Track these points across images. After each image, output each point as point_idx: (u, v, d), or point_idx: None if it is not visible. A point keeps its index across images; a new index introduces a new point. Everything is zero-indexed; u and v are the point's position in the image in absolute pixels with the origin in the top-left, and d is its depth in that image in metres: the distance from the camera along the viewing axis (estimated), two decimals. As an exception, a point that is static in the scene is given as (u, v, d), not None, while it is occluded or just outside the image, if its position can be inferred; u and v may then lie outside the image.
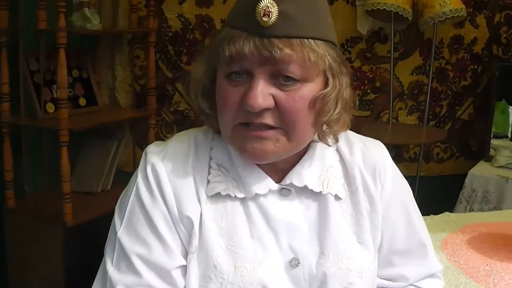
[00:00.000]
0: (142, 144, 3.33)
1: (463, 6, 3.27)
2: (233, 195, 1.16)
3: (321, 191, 1.19)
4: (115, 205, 2.91)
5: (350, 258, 1.19)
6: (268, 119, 1.08)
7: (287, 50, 1.03)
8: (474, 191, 3.35)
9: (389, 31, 3.42)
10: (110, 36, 3.22)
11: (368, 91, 3.59)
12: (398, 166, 1.32)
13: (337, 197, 1.21)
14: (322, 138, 1.19)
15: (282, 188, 1.18)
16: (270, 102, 1.07)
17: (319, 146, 1.23)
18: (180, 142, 1.22)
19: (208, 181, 1.17)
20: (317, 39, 1.07)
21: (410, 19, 3.28)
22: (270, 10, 1.03)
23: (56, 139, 2.74)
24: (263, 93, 1.06)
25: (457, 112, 3.72)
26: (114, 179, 3.15)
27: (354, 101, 1.19)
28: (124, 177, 3.24)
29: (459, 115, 3.73)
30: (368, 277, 1.21)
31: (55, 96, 2.80)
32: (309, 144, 1.22)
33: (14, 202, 2.82)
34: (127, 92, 3.27)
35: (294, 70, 1.05)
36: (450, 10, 3.22)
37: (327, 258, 1.17)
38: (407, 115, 3.65)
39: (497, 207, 3.29)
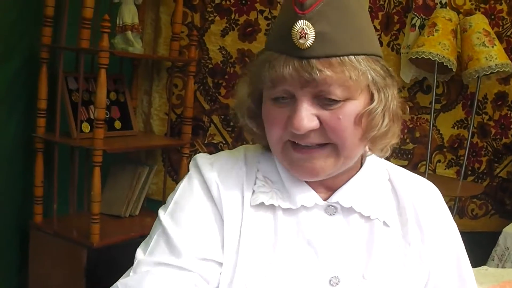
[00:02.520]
0: (173, 173, 3.30)
1: (510, 62, 3.23)
2: (277, 205, 1.16)
3: (369, 216, 1.18)
4: (141, 231, 2.88)
5: (391, 286, 1.16)
6: (315, 139, 1.09)
7: (327, 72, 1.03)
8: (508, 249, 3.25)
9: (432, 81, 3.37)
10: (150, 63, 3.22)
11: (408, 140, 3.53)
12: None
13: (385, 224, 1.19)
14: (373, 150, 1.19)
15: (329, 206, 1.18)
16: (315, 123, 1.07)
17: (372, 171, 1.23)
18: (230, 153, 1.26)
19: (253, 191, 1.18)
20: (357, 54, 1.06)
21: (454, 70, 3.23)
22: (306, 32, 1.03)
23: (88, 159, 2.74)
24: (307, 115, 1.06)
25: (496, 169, 3.64)
26: (142, 205, 3.11)
27: (403, 108, 1.18)
28: (152, 204, 3.21)
29: (498, 173, 3.66)
30: None
31: (91, 116, 2.80)
32: (361, 165, 1.22)
33: (41, 218, 2.79)
34: (162, 120, 3.25)
35: (336, 91, 1.05)
36: (496, 65, 3.18)
37: (368, 282, 1.15)
38: (445, 168, 3.59)
39: None
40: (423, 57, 3.18)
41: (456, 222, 3.45)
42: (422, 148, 3.52)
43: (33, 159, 2.71)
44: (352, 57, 1.05)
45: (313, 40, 1.02)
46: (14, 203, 2.79)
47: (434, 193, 1.29)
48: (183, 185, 1.21)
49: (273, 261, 1.13)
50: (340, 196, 1.18)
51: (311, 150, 1.10)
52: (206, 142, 3.36)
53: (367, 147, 1.19)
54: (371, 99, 1.10)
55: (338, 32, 1.04)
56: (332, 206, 1.18)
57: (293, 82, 1.05)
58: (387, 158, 1.24)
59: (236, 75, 3.31)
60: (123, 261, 2.76)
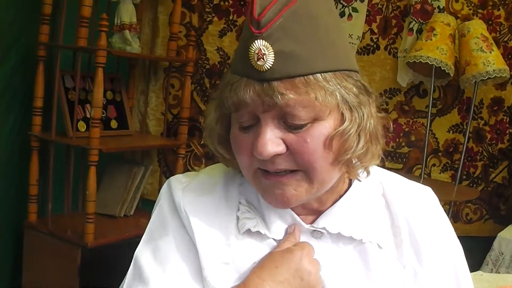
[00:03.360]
0: (168, 174, 3.29)
1: (507, 68, 3.23)
2: (263, 233, 1.10)
3: (361, 239, 1.10)
4: (135, 231, 2.89)
5: None
6: (283, 164, 1.00)
7: (290, 95, 0.94)
8: (502, 254, 3.26)
9: (429, 85, 3.37)
10: (147, 62, 3.20)
11: (403, 144, 3.53)
12: None
13: (379, 246, 1.11)
14: (351, 175, 1.08)
15: (314, 230, 1.11)
16: (280, 148, 0.98)
17: (363, 189, 1.14)
18: (209, 176, 1.18)
19: (238, 218, 1.11)
20: (325, 72, 0.96)
21: (451, 75, 3.23)
22: (264, 52, 0.93)
23: (84, 158, 2.73)
24: (271, 139, 0.98)
25: (491, 174, 3.64)
26: (137, 205, 3.10)
27: (386, 124, 1.07)
28: (147, 204, 3.20)
29: (493, 178, 3.66)
30: None
31: (87, 115, 2.78)
32: (350, 184, 1.14)
33: (36, 217, 2.78)
34: (159, 120, 3.24)
35: (300, 113, 0.96)
36: (494, 70, 3.18)
37: None
38: (440, 173, 3.58)
39: None
40: (420, 61, 3.17)
41: (450, 226, 3.42)
42: (417, 152, 3.52)
43: (29, 157, 2.70)
44: (319, 75, 0.95)
45: (273, 60, 0.93)
46: (9, 201, 2.78)
47: (431, 202, 1.20)
48: (155, 214, 1.16)
49: None
50: (326, 221, 1.10)
51: (281, 176, 1.01)
52: (202, 142, 3.35)
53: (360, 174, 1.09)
54: (342, 119, 1.00)
55: (301, 48, 0.95)
56: (317, 230, 1.11)
57: (255, 106, 0.97)
58: (382, 163, 1.12)
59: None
60: (117, 261, 2.76)
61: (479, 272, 2.35)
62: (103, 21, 2.50)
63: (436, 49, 3.17)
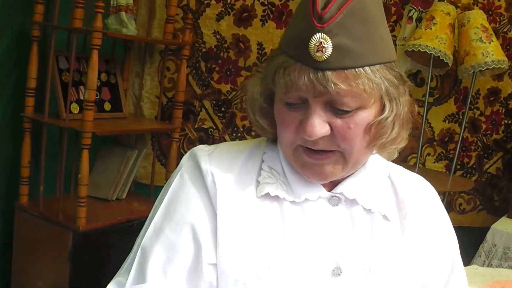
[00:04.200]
0: (162, 157, 3.26)
1: (506, 59, 3.22)
2: (282, 197, 1.17)
3: (370, 209, 1.20)
4: (127, 215, 2.86)
5: (391, 278, 1.18)
6: (325, 145, 1.10)
7: (342, 85, 1.02)
8: (495, 246, 3.28)
9: (427, 74, 3.34)
10: (143, 45, 3.16)
11: (398, 132, 3.51)
12: None
13: (385, 218, 1.21)
14: (380, 154, 1.23)
15: (332, 196, 1.19)
16: (326, 130, 1.07)
17: (373, 166, 1.25)
18: (232, 144, 1.28)
19: (258, 182, 1.19)
20: (373, 65, 1.05)
21: (450, 65, 3.21)
22: (324, 46, 1.02)
23: (77, 141, 2.68)
24: (319, 122, 1.06)
25: (485, 165, 3.64)
26: (129, 189, 3.07)
27: (412, 110, 1.18)
28: (140, 188, 3.17)
29: (487, 168, 3.66)
30: None
31: (81, 97, 2.74)
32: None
33: (27, 199, 2.74)
34: (153, 103, 3.20)
35: (349, 102, 1.05)
36: (492, 61, 3.17)
37: (369, 273, 1.16)
38: (434, 162, 3.58)
39: None
40: (419, 50, 3.15)
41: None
42: (413, 140, 3.49)
43: (21, 139, 2.66)
44: (368, 68, 1.04)
45: (330, 53, 1.01)
46: (0, 183, 2.73)
47: (431, 193, 1.31)
48: (175, 183, 1.21)
49: (281, 250, 1.14)
50: (345, 188, 1.19)
51: (322, 155, 1.11)
52: (196, 126, 3.32)
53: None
54: (383, 108, 1.10)
55: (356, 44, 1.03)
56: (336, 196, 1.19)
57: (307, 91, 1.04)
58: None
59: (230, 60, 3.27)
60: (108, 245, 2.74)
61: (473, 266, 2.35)
62: (99, 2, 2.44)
63: (435, 38, 3.15)
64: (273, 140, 1.24)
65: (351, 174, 1.21)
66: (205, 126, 3.32)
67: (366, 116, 1.08)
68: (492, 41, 3.19)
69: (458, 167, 3.61)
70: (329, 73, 1.02)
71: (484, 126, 3.59)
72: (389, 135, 1.12)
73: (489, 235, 3.27)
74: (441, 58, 3.14)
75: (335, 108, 1.06)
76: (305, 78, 1.03)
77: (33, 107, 2.66)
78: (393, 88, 1.09)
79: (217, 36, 3.23)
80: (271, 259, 1.13)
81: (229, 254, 1.13)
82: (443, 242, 1.28)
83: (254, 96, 1.18)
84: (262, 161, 1.22)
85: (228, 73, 3.28)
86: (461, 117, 3.47)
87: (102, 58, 2.86)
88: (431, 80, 3.42)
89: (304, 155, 1.12)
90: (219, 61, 3.26)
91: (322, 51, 1.01)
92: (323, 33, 1.01)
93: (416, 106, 1.19)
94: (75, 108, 2.73)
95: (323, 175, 1.13)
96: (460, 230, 3.59)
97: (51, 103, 2.64)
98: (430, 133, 3.54)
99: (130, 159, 3.03)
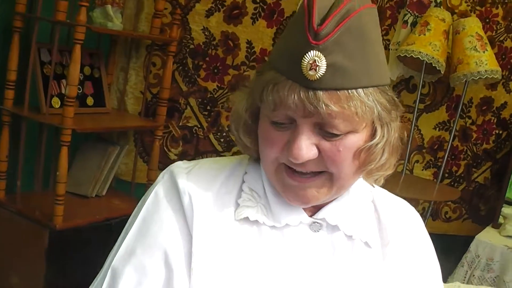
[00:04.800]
0: (144, 154, 3.19)
1: (499, 69, 3.17)
2: (262, 222, 1.13)
3: (351, 235, 1.16)
4: (106, 213, 2.79)
5: None
6: (312, 167, 1.05)
7: (333, 107, 0.97)
8: (478, 257, 3.26)
9: (418, 80, 3.28)
10: (129, 39, 3.07)
11: (387, 138, 3.45)
12: None
13: (367, 245, 1.17)
14: (366, 180, 1.17)
15: (314, 222, 1.15)
16: (313, 153, 1.03)
17: (357, 191, 1.20)
18: (214, 162, 1.22)
19: (238, 205, 1.14)
20: (367, 87, 1.01)
21: (442, 72, 3.15)
22: (318, 64, 0.96)
23: (57, 136, 2.61)
24: (307, 144, 1.02)
25: (474, 174, 3.60)
26: (110, 185, 3.00)
27: (402, 135, 1.13)
28: (121, 185, 3.11)
29: (475, 178, 3.63)
30: None
31: (62, 91, 2.66)
32: None
33: (4, 194, 2.67)
34: (137, 99, 3.13)
35: (339, 125, 1.00)
36: (486, 71, 3.11)
37: None
38: (422, 169, 3.54)
39: (499, 277, 3.23)
40: (412, 56, 3.09)
41: (429, 225, 3.44)
42: (402, 147, 3.45)
43: (-1, 132, 2.60)
44: (361, 90, 0.99)
45: (324, 72, 0.96)
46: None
47: (415, 219, 1.28)
48: (149, 202, 1.15)
49: (257, 276, 1.10)
50: (327, 213, 1.14)
51: (306, 178, 1.07)
52: (180, 124, 3.25)
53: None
54: (374, 133, 1.06)
55: (351, 64, 0.98)
56: (317, 223, 1.15)
57: (296, 110, 0.99)
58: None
59: (218, 58, 3.19)
60: (86, 244, 2.68)
61: (456, 283, 2.31)
62: (84, -5, 2.37)
63: (428, 45, 3.09)
64: (256, 159, 1.18)
65: (334, 199, 1.16)
66: (189, 124, 3.25)
67: (356, 140, 1.04)
68: (487, 50, 3.13)
69: (446, 175, 3.57)
70: (320, 93, 0.97)
71: (475, 135, 3.54)
72: (378, 162, 1.08)
73: (472, 246, 3.24)
74: (433, 65, 3.08)
75: (324, 131, 1.02)
76: (295, 96, 0.98)
77: (13, 100, 2.58)
78: (386, 112, 1.04)
79: (206, 33, 3.16)
80: (246, 286, 1.09)
81: (203, 280, 1.08)
82: (425, 270, 1.24)
83: (239, 112, 1.13)
84: (243, 181, 1.17)
85: (215, 71, 3.20)
86: (452, 125, 3.41)
87: (87, 52, 2.80)
88: (424, 87, 3.38)
89: (287, 176, 1.07)
90: (207, 59, 3.19)
91: (316, 70, 0.96)
92: (318, 51, 0.97)
93: (404, 129, 1.14)
94: (56, 102, 2.66)
95: (305, 198, 1.08)
96: (444, 238, 3.60)
97: (31, 97, 2.57)
98: (420, 140, 3.49)
99: (111, 155, 2.96)
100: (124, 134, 3.15)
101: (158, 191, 1.16)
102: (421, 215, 3.44)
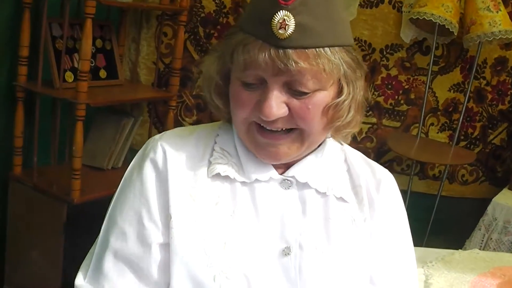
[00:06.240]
0: (158, 124, 3.21)
1: (514, 28, 3.10)
2: (233, 177, 1.19)
3: (325, 192, 1.22)
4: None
5: (343, 258, 1.19)
6: (283, 124, 1.11)
7: (302, 64, 1.04)
8: (496, 219, 3.23)
9: (432, 43, 3.24)
10: (139, 9, 3.06)
11: (402, 101, 3.43)
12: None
13: (342, 200, 1.23)
14: (335, 137, 1.23)
15: (284, 180, 1.21)
16: (283, 111, 1.09)
17: (328, 151, 1.26)
18: (187, 127, 1.32)
19: (210, 163, 1.20)
20: (333, 46, 1.07)
21: (455, 33, 3.11)
22: (287, 23, 1.03)
23: (71, 110, 2.63)
24: (277, 102, 1.08)
25: (490, 136, 3.57)
26: (125, 157, 3.03)
27: (367, 97, 1.20)
28: (136, 156, 3.13)
29: (491, 139, 3.59)
30: (357, 278, 1.21)
31: (75, 65, 2.67)
32: (318, 145, 1.24)
33: (21, 170, 2.71)
34: (150, 69, 3.13)
35: (308, 82, 1.06)
36: (500, 31, 3.05)
37: (319, 253, 1.18)
38: (438, 132, 3.50)
39: None
40: (424, 18, 3.05)
41: (445, 187, 3.43)
42: (416, 110, 3.43)
43: (14, 108, 2.62)
44: (328, 49, 1.06)
45: (292, 31, 1.03)
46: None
47: (388, 180, 1.31)
48: (127, 171, 1.24)
49: (231, 229, 1.16)
50: (296, 171, 1.21)
51: (277, 135, 1.13)
52: (194, 93, 3.25)
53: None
54: (340, 91, 1.13)
55: (318, 23, 1.05)
56: (287, 180, 1.21)
57: (266, 69, 1.05)
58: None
59: (229, 25, 3.18)
60: (103, 217, 2.71)
61: (475, 250, 2.30)
62: (93, -32, 2.36)
63: (441, 6, 3.04)
64: (228, 120, 1.23)
65: (304, 157, 1.22)
66: (203, 93, 3.24)
67: (324, 97, 1.10)
68: (500, 10, 3.07)
69: (462, 137, 3.53)
70: (290, 51, 1.03)
71: (490, 96, 3.49)
72: (345, 118, 1.14)
73: (489, 209, 3.22)
74: (446, 26, 3.04)
75: (293, 90, 1.08)
76: (266, 55, 1.04)
77: (26, 76, 2.60)
78: (351, 71, 1.11)
79: (217, 1, 3.15)
80: (221, 238, 1.15)
81: (181, 232, 1.14)
82: (396, 235, 1.29)
83: (210, 74, 1.18)
84: (215, 142, 1.23)
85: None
86: (466, 86, 3.37)
87: (97, 24, 2.79)
88: (437, 49, 3.33)
89: (258, 134, 1.13)
90: (218, 27, 3.18)
91: (285, 29, 1.02)
92: (287, 11, 1.03)
93: (368, 89, 1.27)
94: (69, 76, 2.67)
95: (278, 155, 1.15)
96: (461, 202, 3.60)
97: (44, 72, 2.59)
98: (434, 102, 3.45)
99: (126, 127, 2.99)
100: (137, 105, 3.17)
101: (134, 161, 1.25)
102: (437, 178, 3.46)
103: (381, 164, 1.35)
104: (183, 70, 3.08)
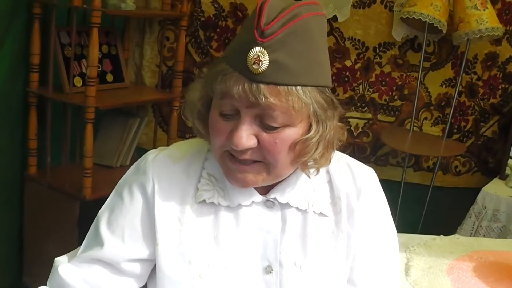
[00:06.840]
0: (163, 124, 3.36)
1: (500, 26, 3.22)
2: (217, 203, 1.26)
3: (306, 209, 1.28)
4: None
5: (322, 272, 1.27)
6: (251, 156, 1.16)
7: (272, 99, 1.08)
8: (485, 208, 3.37)
9: (423, 40, 3.37)
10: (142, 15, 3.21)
11: (396, 97, 3.57)
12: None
13: (322, 214, 1.29)
14: (303, 171, 1.25)
15: (267, 200, 1.27)
16: (253, 142, 1.14)
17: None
18: (177, 149, 1.34)
19: (197, 189, 1.27)
20: (306, 86, 1.11)
21: (444, 32, 3.24)
22: (261, 59, 1.07)
23: (80, 112, 2.77)
24: (247, 134, 1.12)
25: (482, 128, 3.69)
26: (133, 155, 3.18)
27: (342, 134, 1.25)
28: (143, 154, 3.25)
29: (483, 132, 3.71)
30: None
31: (83, 70, 2.83)
32: None
33: (35, 170, 2.87)
34: (153, 72, 3.28)
35: (277, 117, 1.11)
36: (486, 29, 3.18)
37: (298, 269, 1.26)
38: (431, 126, 3.63)
39: (505, 227, 3.34)
40: (414, 17, 3.18)
41: (439, 178, 3.55)
42: (410, 105, 3.55)
43: (27, 113, 2.77)
44: (299, 88, 1.10)
45: (266, 67, 1.07)
46: (9, 155, 2.84)
47: (369, 185, 1.35)
48: (122, 179, 1.35)
49: (215, 252, 1.25)
50: (277, 193, 1.27)
51: (243, 165, 1.18)
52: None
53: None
54: (309, 128, 1.16)
55: (293, 62, 1.09)
56: (270, 201, 1.27)
57: (240, 100, 1.10)
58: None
59: (228, 28, 3.32)
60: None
61: (455, 236, 2.43)
62: (97, -20, 2.50)
63: (430, 6, 3.16)
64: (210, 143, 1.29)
65: (286, 178, 1.27)
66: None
67: (292, 133, 1.14)
68: (487, 8, 3.18)
69: (455, 130, 3.65)
70: (262, 86, 1.07)
71: (481, 90, 3.61)
72: (312, 155, 1.18)
73: (479, 198, 3.35)
74: (435, 25, 3.17)
75: (263, 123, 1.12)
76: (240, 87, 1.08)
77: (38, 82, 2.75)
78: (322, 111, 1.15)
79: (215, 5, 3.28)
80: (205, 260, 1.24)
81: (167, 254, 1.25)
82: (379, 231, 1.35)
83: (193, 100, 1.23)
84: (203, 168, 1.30)
85: (226, 41, 3.33)
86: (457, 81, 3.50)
87: (103, 31, 2.93)
88: (429, 45, 3.46)
89: (228, 161, 1.19)
90: (218, 30, 3.32)
91: (258, 64, 1.06)
92: (262, 48, 1.07)
93: (345, 130, 1.27)
94: (78, 81, 2.81)
95: (245, 182, 1.19)
96: (455, 191, 3.71)
97: (54, 78, 2.73)
98: (427, 97, 3.58)
99: (132, 127, 3.13)
100: (143, 106, 3.31)
101: (127, 175, 1.35)
102: (431, 169, 3.58)
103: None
104: (185, 72, 3.22)
